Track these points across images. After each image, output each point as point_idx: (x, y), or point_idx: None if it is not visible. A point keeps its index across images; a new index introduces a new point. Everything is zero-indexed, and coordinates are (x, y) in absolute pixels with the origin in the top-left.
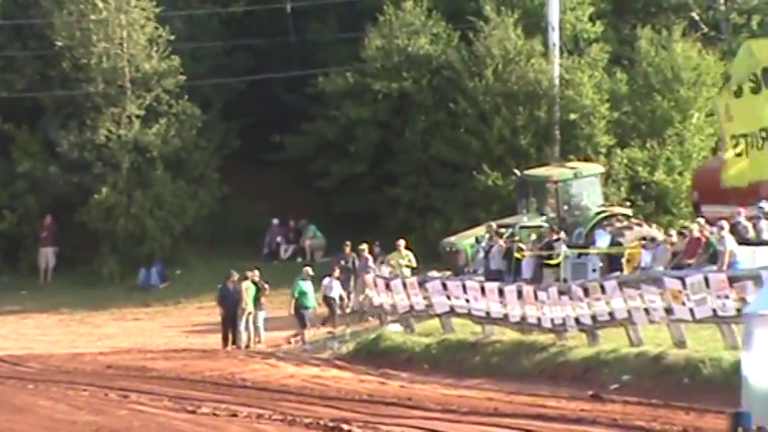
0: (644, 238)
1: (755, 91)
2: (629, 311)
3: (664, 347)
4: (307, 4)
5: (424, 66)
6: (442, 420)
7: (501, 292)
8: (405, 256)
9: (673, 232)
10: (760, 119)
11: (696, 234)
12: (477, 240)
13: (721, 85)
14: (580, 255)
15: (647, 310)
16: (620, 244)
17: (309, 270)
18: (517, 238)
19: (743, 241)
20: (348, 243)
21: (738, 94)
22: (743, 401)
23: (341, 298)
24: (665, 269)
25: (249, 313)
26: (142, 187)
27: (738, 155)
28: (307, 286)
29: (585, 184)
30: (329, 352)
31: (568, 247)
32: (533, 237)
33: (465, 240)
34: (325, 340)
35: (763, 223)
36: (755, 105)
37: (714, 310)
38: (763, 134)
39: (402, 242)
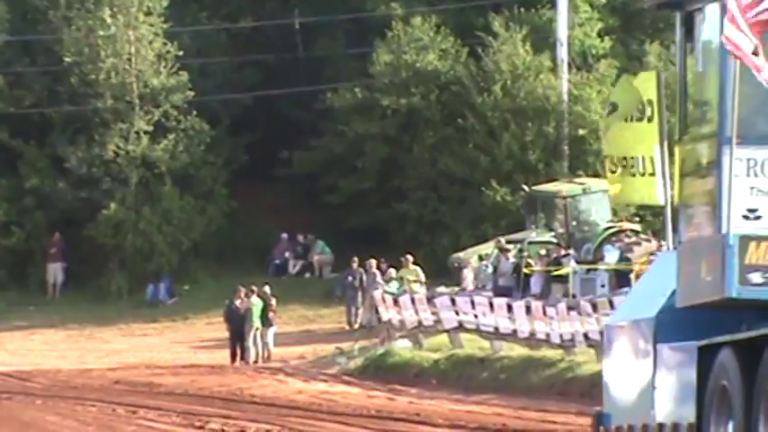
0: (652, 254)
1: (641, 119)
2: None
3: None
4: (315, 20)
5: (433, 81)
6: None
7: (510, 308)
8: (413, 272)
9: None
10: (647, 146)
11: None
12: (481, 258)
13: (608, 111)
14: (589, 270)
15: None
16: (628, 260)
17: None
18: (526, 253)
19: None
20: (355, 259)
21: (630, 120)
22: (604, 403)
23: None
24: None
25: (257, 329)
26: (150, 203)
27: (621, 177)
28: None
29: (594, 200)
30: (337, 367)
31: (577, 262)
32: (542, 252)
33: (473, 256)
34: (334, 356)
35: None
36: (643, 132)
37: None
38: (633, 161)
39: (410, 257)
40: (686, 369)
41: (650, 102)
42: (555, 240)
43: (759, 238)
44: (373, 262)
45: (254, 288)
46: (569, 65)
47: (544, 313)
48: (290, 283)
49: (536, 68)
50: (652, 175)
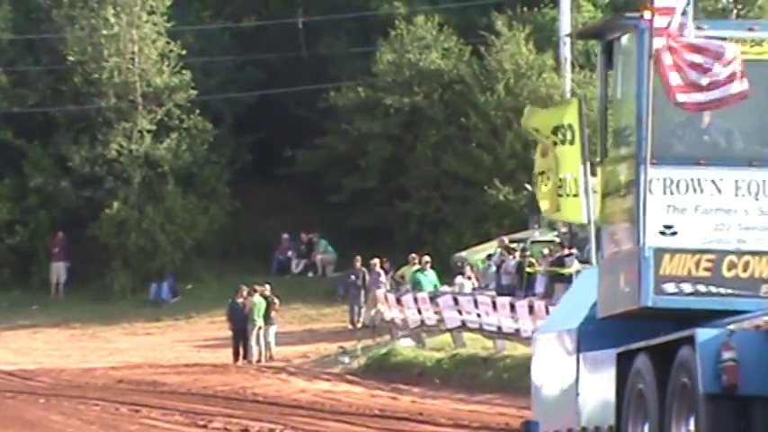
0: None
1: (563, 143)
2: None
3: None
4: (318, 19)
5: (436, 80)
6: None
7: (512, 307)
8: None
9: None
10: (572, 168)
11: None
12: (490, 257)
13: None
14: None
15: None
16: None
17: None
18: (528, 252)
19: None
20: (358, 258)
21: (554, 144)
22: (532, 411)
23: None
24: None
25: (259, 328)
26: (153, 202)
27: (551, 193)
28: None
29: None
30: (340, 367)
31: (580, 262)
32: (545, 251)
33: (476, 255)
34: (337, 355)
35: None
36: (565, 155)
37: None
38: (560, 182)
39: (414, 256)
40: (606, 375)
41: (570, 126)
42: (558, 240)
43: (672, 251)
44: (376, 261)
45: (257, 287)
46: (572, 63)
47: (547, 313)
48: (293, 282)
49: (539, 67)
50: (576, 195)
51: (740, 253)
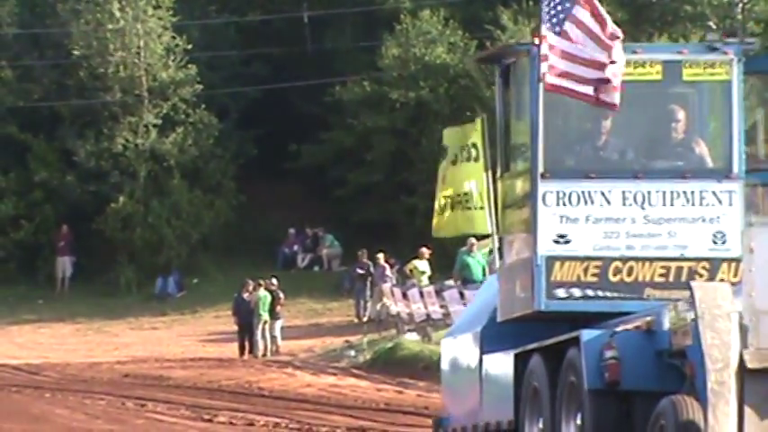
0: None
1: (468, 160)
2: None
3: None
4: (323, 14)
5: (441, 74)
6: None
7: None
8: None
9: None
10: (462, 183)
11: None
12: (491, 252)
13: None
14: None
15: None
16: None
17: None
18: None
19: None
20: (363, 251)
21: (454, 162)
22: (443, 408)
23: None
24: None
25: (265, 322)
26: (159, 196)
27: (442, 212)
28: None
29: None
30: (346, 361)
31: None
32: None
33: (481, 249)
34: (342, 349)
35: None
36: (470, 171)
37: None
38: (467, 197)
39: (425, 250)
40: (505, 374)
41: (474, 144)
42: None
43: (563, 259)
44: (381, 255)
45: (262, 282)
46: None
47: None
48: (299, 277)
49: None
50: (482, 208)
51: (625, 259)
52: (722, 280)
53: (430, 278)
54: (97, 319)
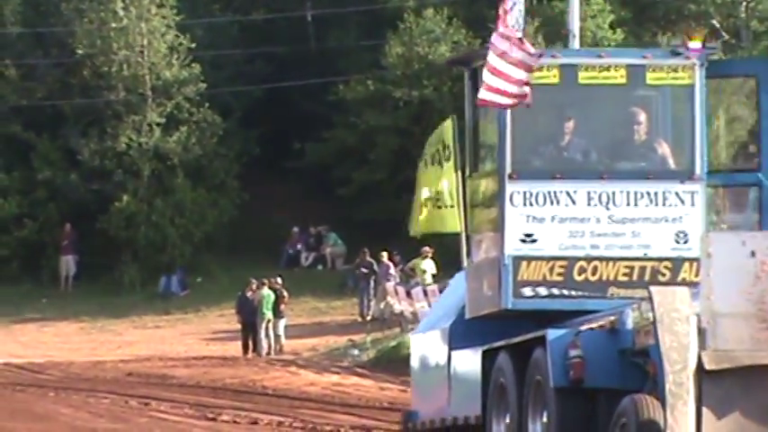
0: None
1: (439, 162)
2: None
3: None
4: (327, 12)
5: (445, 73)
6: None
7: None
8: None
9: None
10: (438, 182)
11: None
12: None
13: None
14: None
15: None
16: None
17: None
18: None
19: None
20: (366, 250)
21: (426, 164)
22: (412, 403)
23: None
24: None
25: (269, 321)
26: (163, 195)
27: (421, 210)
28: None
29: None
30: (350, 359)
31: None
32: None
33: None
34: (346, 348)
35: None
36: (443, 171)
37: None
38: (439, 195)
39: (427, 249)
40: (473, 371)
41: (447, 146)
42: None
43: (529, 258)
44: (385, 254)
45: (265, 280)
46: None
47: None
48: (303, 275)
49: None
50: (453, 206)
51: (589, 258)
52: (684, 279)
53: (434, 276)
54: (101, 318)
